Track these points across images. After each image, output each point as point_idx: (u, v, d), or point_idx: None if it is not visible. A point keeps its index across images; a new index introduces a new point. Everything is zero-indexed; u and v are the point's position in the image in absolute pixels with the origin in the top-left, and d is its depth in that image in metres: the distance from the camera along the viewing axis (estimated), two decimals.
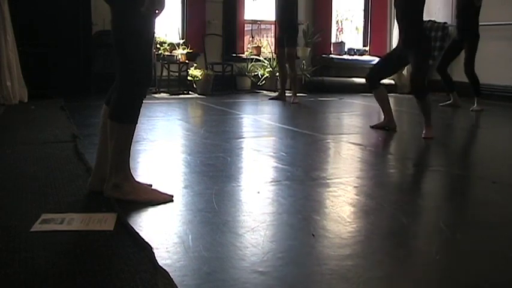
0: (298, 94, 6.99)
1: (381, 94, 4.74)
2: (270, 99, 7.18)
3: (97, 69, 7.05)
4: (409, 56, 4.42)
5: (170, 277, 1.56)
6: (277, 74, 7.64)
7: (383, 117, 4.77)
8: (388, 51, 6.59)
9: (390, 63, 4.72)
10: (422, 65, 4.41)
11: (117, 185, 2.30)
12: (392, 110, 4.78)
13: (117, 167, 2.31)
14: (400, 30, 4.63)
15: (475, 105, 6.33)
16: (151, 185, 2.55)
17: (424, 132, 4.31)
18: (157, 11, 2.20)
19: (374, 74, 4.73)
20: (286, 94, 7.15)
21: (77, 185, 2.58)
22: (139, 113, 2.36)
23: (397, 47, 4.69)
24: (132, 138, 2.37)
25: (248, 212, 2.30)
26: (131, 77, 2.30)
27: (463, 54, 6.37)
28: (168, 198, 2.35)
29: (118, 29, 2.29)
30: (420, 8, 4.40)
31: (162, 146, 3.85)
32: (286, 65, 7.03)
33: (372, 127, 4.77)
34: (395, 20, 4.71)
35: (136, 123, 2.36)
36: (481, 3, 6.15)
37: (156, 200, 2.32)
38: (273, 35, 8.85)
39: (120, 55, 2.31)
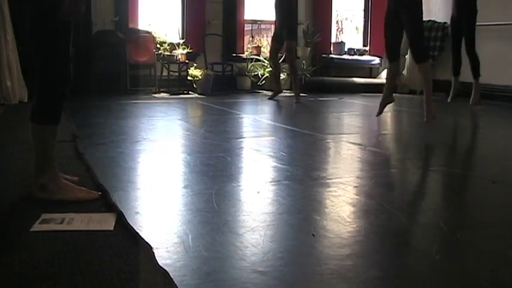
0: (300, 94, 6.95)
1: (395, 67, 4.70)
2: (268, 99, 7.15)
3: (97, 69, 7.06)
4: (402, 16, 4.36)
5: (170, 277, 1.55)
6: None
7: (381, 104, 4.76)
8: None
9: (393, 30, 4.60)
10: (417, 23, 4.36)
11: (43, 186, 2.31)
12: (392, 110, 4.79)
13: (42, 168, 2.32)
14: None
15: (472, 96, 6.31)
16: (76, 180, 2.55)
17: (425, 115, 4.24)
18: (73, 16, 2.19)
19: (390, 46, 4.65)
20: (286, 94, 7.14)
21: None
22: (61, 114, 2.35)
23: (388, 9, 4.61)
24: (55, 138, 2.37)
25: (248, 212, 2.30)
26: (51, 77, 2.29)
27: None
28: (95, 196, 2.34)
29: (38, 29, 2.27)
30: None
31: (162, 146, 3.85)
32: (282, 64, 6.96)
33: (377, 115, 4.77)
34: None
35: (59, 123, 2.34)
36: None
37: (83, 198, 2.32)
38: (273, 34, 8.83)
39: (39, 56, 2.28)
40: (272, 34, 7.18)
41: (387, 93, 4.74)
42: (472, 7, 6.20)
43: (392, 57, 4.64)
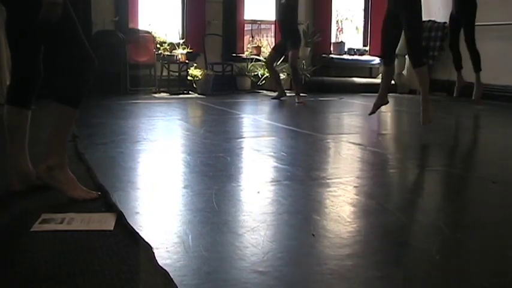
0: (300, 94, 6.98)
1: (391, 71, 4.71)
2: (272, 98, 7.17)
3: (97, 69, 7.03)
4: (401, 18, 4.37)
5: (170, 277, 1.55)
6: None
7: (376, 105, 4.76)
8: None
9: (392, 32, 4.60)
10: (416, 26, 4.36)
11: (50, 167, 2.30)
12: (392, 110, 4.79)
13: (54, 149, 2.32)
14: None
15: (474, 91, 6.29)
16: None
17: (421, 117, 4.25)
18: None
19: (387, 49, 4.66)
20: (288, 94, 7.17)
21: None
22: (82, 100, 2.43)
23: (387, 11, 4.59)
24: (72, 125, 2.40)
25: (248, 212, 2.30)
26: (72, 62, 2.38)
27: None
28: (94, 196, 2.34)
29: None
30: None
31: (162, 146, 3.85)
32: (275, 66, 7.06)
33: (370, 114, 4.77)
34: None
35: (79, 108, 2.38)
36: None
37: (81, 198, 2.31)
38: (273, 34, 8.85)
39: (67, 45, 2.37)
40: (274, 44, 7.32)
41: (382, 93, 4.74)
42: (472, 2, 6.16)
43: (388, 60, 4.65)
